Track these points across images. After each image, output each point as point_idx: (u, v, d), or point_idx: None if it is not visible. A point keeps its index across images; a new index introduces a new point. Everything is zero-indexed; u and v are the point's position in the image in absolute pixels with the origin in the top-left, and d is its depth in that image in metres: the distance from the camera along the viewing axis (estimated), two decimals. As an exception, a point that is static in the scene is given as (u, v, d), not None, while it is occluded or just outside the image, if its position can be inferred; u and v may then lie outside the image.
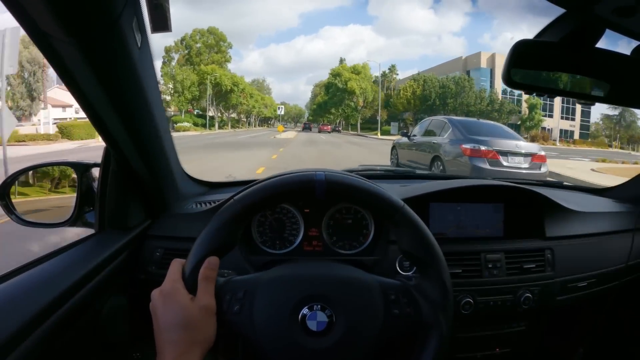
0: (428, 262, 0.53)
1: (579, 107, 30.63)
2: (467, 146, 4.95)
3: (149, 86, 0.62)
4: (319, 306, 0.50)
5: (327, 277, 0.53)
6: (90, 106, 0.58)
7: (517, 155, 5.00)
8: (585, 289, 0.89)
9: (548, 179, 4.84)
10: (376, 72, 42.85)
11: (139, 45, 0.55)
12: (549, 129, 31.75)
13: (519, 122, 29.72)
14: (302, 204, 0.83)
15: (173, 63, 37.52)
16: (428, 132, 6.13)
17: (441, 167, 5.30)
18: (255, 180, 0.58)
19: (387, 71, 41.60)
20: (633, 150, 29.03)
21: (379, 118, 33.39)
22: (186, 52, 38.57)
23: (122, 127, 0.63)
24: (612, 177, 7.07)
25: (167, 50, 37.73)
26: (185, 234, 0.78)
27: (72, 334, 0.60)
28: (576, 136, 33.09)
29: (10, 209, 0.73)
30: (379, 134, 28.78)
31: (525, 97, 25.59)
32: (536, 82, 0.63)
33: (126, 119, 0.62)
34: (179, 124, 28.87)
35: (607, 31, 0.57)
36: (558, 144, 28.37)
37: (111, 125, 0.63)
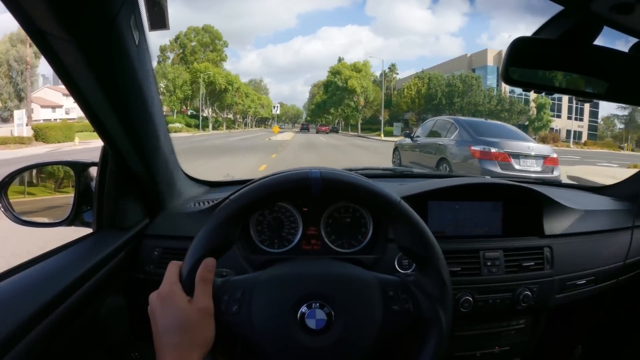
0: (426, 257, 0.54)
1: (587, 107, 30.64)
2: (477, 148, 4.91)
3: (146, 84, 0.64)
4: (318, 304, 0.51)
5: (325, 275, 0.55)
6: (87, 105, 0.60)
7: (529, 158, 4.97)
8: (583, 287, 0.93)
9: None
10: (377, 71, 43.02)
11: (137, 43, 0.57)
12: (556, 130, 31.70)
13: (526, 123, 29.54)
14: (300, 203, 0.87)
15: (168, 62, 37.60)
16: (433, 133, 6.13)
17: (448, 170, 5.28)
18: (253, 180, 0.60)
19: (387, 70, 41.73)
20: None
21: (381, 118, 33.01)
22: (180, 51, 38.62)
23: (119, 125, 0.65)
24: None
25: (162, 49, 37.93)
26: (184, 233, 0.82)
27: (70, 333, 0.62)
28: (584, 137, 33.04)
29: (7, 209, 0.76)
30: (382, 135, 28.41)
31: (533, 96, 25.41)
32: (534, 79, 0.66)
33: (124, 117, 0.64)
34: (170, 125, 28.88)
35: (605, 28, 0.60)
36: (572, 146, 28.08)
37: (109, 124, 0.65)
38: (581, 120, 33.18)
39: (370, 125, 40.16)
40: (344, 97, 38.96)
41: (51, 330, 0.56)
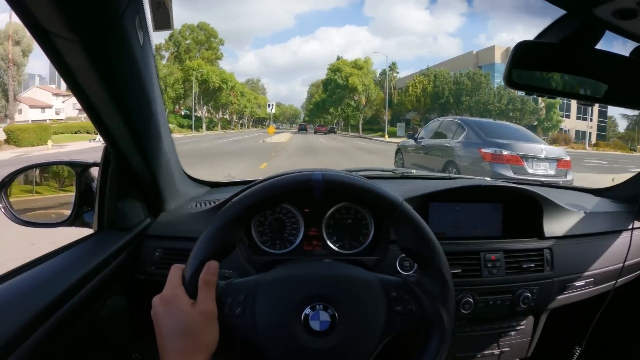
0: (428, 258, 0.57)
1: (596, 107, 30.60)
2: (488, 151, 4.88)
3: (150, 85, 0.67)
4: (322, 306, 0.54)
5: (329, 277, 0.58)
6: (90, 105, 0.63)
7: (543, 161, 4.94)
8: (583, 288, 0.98)
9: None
10: (377, 69, 42.71)
11: (141, 43, 0.60)
12: (566, 130, 31.61)
13: (535, 123, 29.33)
14: (302, 204, 0.91)
15: (163, 62, 37.70)
16: (438, 134, 6.13)
17: (455, 173, 5.32)
18: (255, 181, 0.64)
19: (387, 69, 41.74)
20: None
21: (385, 118, 32.42)
22: (175, 49, 38.74)
23: (122, 125, 0.68)
24: None
25: (158, 48, 38.01)
26: (185, 234, 0.86)
27: (72, 334, 0.65)
28: (593, 138, 32.87)
29: (7, 208, 0.80)
30: (386, 136, 27.74)
31: (542, 95, 25.30)
32: (537, 82, 0.69)
33: (127, 117, 0.67)
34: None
35: (607, 32, 0.64)
36: (588, 148, 27.69)
37: (112, 124, 0.68)
38: (590, 120, 33.22)
39: (371, 126, 40.01)
40: (345, 95, 38.79)
41: (53, 332, 0.58)
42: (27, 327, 0.54)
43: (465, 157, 5.24)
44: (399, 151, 7.41)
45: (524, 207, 0.97)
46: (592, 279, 0.99)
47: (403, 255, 0.86)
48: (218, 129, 39.10)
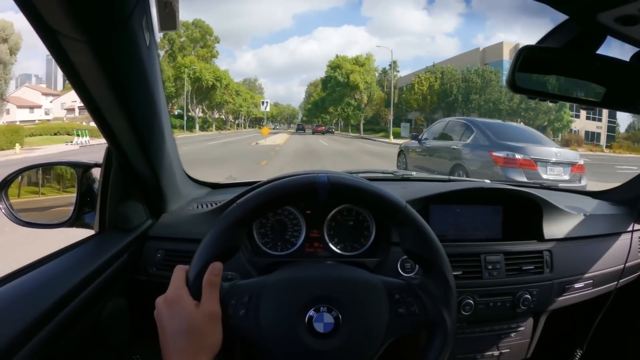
0: (431, 261, 0.61)
1: None
2: (500, 154, 4.85)
3: (154, 85, 0.70)
4: (325, 308, 0.57)
5: (332, 279, 0.61)
6: (95, 105, 0.66)
7: (557, 165, 4.92)
8: (583, 290, 1.04)
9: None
10: (380, 67, 42.60)
11: (148, 44, 0.62)
12: (575, 131, 31.40)
13: (544, 124, 29.00)
14: (303, 206, 0.96)
15: (163, 62, 37.75)
16: (443, 136, 6.11)
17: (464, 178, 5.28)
18: (257, 182, 0.67)
19: (388, 68, 41.55)
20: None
21: (390, 117, 31.91)
22: (169, 47, 38.80)
23: (126, 126, 0.72)
24: None
25: None
26: (187, 235, 0.90)
27: (73, 336, 0.68)
28: (603, 139, 32.72)
29: (8, 209, 0.84)
30: (391, 137, 27.04)
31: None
32: (539, 86, 0.75)
33: (131, 117, 0.70)
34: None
35: (609, 38, 0.67)
36: (606, 150, 27.37)
37: (115, 125, 0.72)
38: (600, 120, 33.20)
39: (373, 126, 39.80)
40: (345, 94, 38.57)
41: (55, 334, 0.61)
42: (29, 330, 0.56)
43: (474, 160, 5.21)
44: (401, 153, 7.42)
45: (523, 210, 1.03)
46: (592, 281, 1.04)
47: (404, 257, 0.90)
48: (212, 130, 39.08)
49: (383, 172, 1.39)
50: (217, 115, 42.83)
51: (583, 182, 5.04)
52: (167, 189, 0.94)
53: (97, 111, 0.68)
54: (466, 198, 1.01)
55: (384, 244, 0.94)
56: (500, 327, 1.01)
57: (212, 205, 1.00)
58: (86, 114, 0.86)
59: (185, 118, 34.98)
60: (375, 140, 26.48)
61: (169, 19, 0.72)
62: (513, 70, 0.70)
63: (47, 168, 0.91)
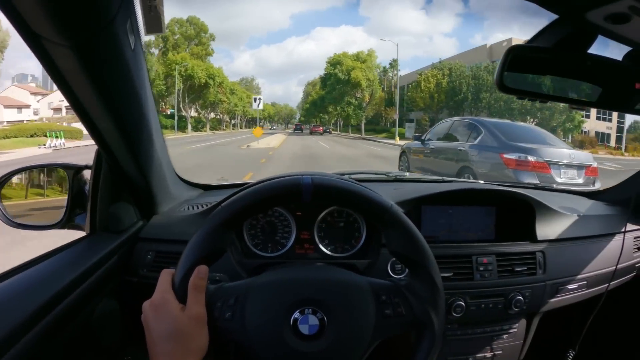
0: (418, 261, 0.64)
1: None
2: (511, 156, 4.83)
3: (141, 88, 0.74)
4: (310, 310, 0.60)
5: (318, 281, 0.64)
6: (82, 109, 0.70)
7: (571, 168, 4.93)
8: (576, 291, 1.09)
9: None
10: (381, 65, 42.39)
11: (133, 47, 0.65)
12: (586, 132, 31.16)
13: (554, 124, 28.37)
14: (294, 207, 1.01)
15: (153, 59, 37.87)
16: (448, 137, 6.13)
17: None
18: (246, 184, 0.72)
19: (387, 67, 41.27)
20: None
21: (396, 117, 31.42)
22: (162, 45, 38.84)
23: (114, 129, 0.75)
24: None
25: (147, 44, 38.18)
26: (177, 236, 0.95)
27: (64, 337, 0.71)
28: (612, 140, 32.51)
29: (0, 211, 0.90)
30: (397, 138, 26.53)
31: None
32: (529, 86, 0.77)
33: (118, 121, 0.74)
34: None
35: (600, 37, 0.69)
36: (626, 154, 26.49)
37: (103, 128, 0.75)
38: (610, 121, 33.02)
39: (374, 126, 39.70)
40: (346, 92, 38.40)
41: (45, 335, 0.64)
42: (18, 330, 0.60)
43: (482, 162, 5.22)
44: (403, 154, 7.43)
45: (517, 211, 1.08)
46: (585, 282, 1.10)
47: (395, 258, 0.95)
48: (206, 130, 39.15)
49: (376, 173, 1.45)
50: (212, 115, 42.90)
51: (597, 186, 4.99)
52: (157, 191, 0.99)
53: (85, 114, 0.71)
54: (459, 199, 1.06)
55: (375, 245, 0.99)
56: (493, 328, 1.05)
57: (203, 206, 1.05)
58: (73, 113, 0.90)
59: (176, 118, 34.96)
60: (379, 142, 26.12)
61: (154, 22, 0.76)
62: (501, 70, 0.73)
63: (39, 170, 0.97)
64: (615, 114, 32.11)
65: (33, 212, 0.96)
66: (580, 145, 24.61)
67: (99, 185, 0.89)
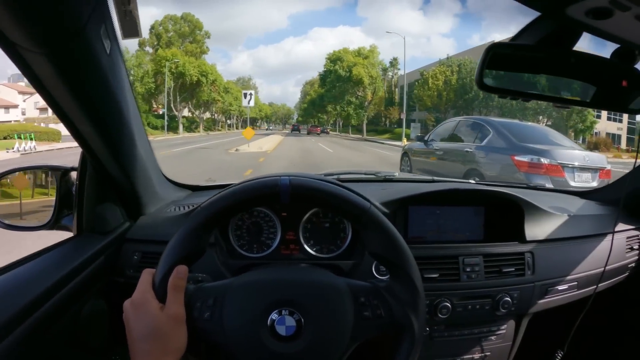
0: (397, 263, 0.66)
1: None
2: (523, 158, 4.81)
3: (120, 92, 0.78)
4: (287, 311, 0.63)
5: (295, 282, 0.68)
6: (63, 114, 0.74)
7: (585, 171, 4.92)
8: (565, 292, 1.14)
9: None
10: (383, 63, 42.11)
11: (109, 52, 0.69)
12: (596, 133, 30.96)
13: (571, 124, 28.32)
14: (279, 207, 1.07)
15: (147, 58, 37.82)
16: (453, 137, 6.12)
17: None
18: (231, 185, 0.77)
19: (388, 65, 41.19)
20: None
21: (403, 116, 30.68)
22: (155, 42, 38.72)
23: (95, 132, 0.80)
24: None
25: (141, 43, 38.37)
26: (163, 237, 0.99)
27: (50, 337, 0.76)
28: (623, 141, 32.48)
29: None
30: (404, 139, 25.51)
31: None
32: (510, 85, 0.80)
33: (99, 125, 0.79)
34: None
35: (588, 35, 0.66)
36: None
37: (85, 131, 0.80)
38: (620, 121, 32.67)
39: (375, 126, 39.47)
40: (347, 90, 38.06)
41: (30, 334, 0.68)
42: (3, 329, 0.63)
43: (491, 164, 5.21)
44: (405, 155, 7.44)
45: (505, 211, 1.13)
46: (575, 282, 1.14)
47: None
48: (200, 131, 39.10)
49: (365, 173, 1.51)
50: (207, 115, 42.92)
51: None
52: (142, 192, 1.05)
53: (66, 117, 0.76)
54: (447, 199, 1.11)
55: (360, 246, 1.04)
56: (481, 330, 1.10)
57: (190, 207, 1.11)
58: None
59: (166, 118, 34.84)
60: (384, 144, 25.81)
61: (130, 26, 0.80)
62: (481, 68, 0.75)
63: (27, 172, 1.04)
64: (625, 115, 32.03)
65: (21, 213, 1.02)
66: (595, 147, 24.59)
67: (84, 187, 0.95)
